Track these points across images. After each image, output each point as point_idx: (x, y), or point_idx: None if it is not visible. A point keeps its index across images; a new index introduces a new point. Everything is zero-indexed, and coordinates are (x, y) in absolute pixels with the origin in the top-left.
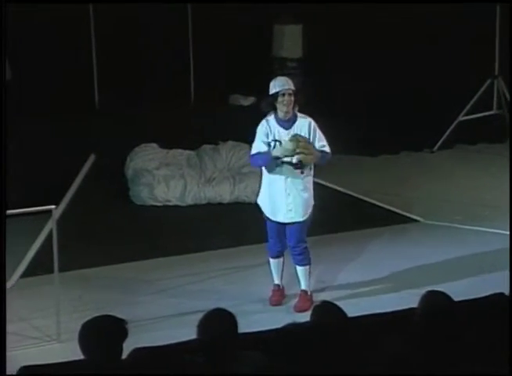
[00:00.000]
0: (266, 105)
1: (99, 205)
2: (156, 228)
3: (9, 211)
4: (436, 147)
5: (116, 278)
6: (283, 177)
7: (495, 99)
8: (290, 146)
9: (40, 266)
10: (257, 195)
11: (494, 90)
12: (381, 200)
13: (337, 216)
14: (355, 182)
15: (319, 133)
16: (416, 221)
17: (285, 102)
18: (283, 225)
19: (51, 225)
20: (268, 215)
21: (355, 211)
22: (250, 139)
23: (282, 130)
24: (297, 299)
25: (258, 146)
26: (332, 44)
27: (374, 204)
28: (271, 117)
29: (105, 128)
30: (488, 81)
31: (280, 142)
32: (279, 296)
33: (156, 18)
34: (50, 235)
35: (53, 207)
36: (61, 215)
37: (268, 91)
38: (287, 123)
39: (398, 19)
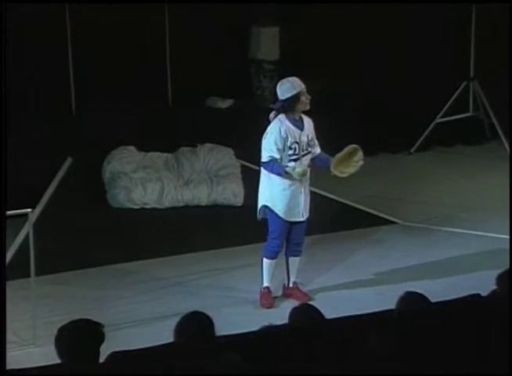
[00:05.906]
0: (286, 107)
1: (75, 208)
2: (133, 231)
3: None
4: (413, 149)
5: (93, 281)
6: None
7: (471, 101)
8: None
9: (16, 270)
10: (258, 198)
11: (470, 92)
12: (359, 202)
13: (315, 218)
14: (331, 184)
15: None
16: (394, 223)
17: (308, 100)
18: (289, 225)
19: (27, 228)
20: (283, 216)
21: (332, 214)
22: (228, 141)
23: (297, 131)
24: (290, 295)
25: (274, 151)
26: (310, 46)
27: (352, 206)
28: (283, 119)
29: (82, 131)
30: (464, 84)
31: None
32: (270, 298)
33: (133, 19)
34: (26, 238)
35: (29, 210)
36: (37, 219)
37: (276, 94)
38: (300, 123)
39: (375, 20)
